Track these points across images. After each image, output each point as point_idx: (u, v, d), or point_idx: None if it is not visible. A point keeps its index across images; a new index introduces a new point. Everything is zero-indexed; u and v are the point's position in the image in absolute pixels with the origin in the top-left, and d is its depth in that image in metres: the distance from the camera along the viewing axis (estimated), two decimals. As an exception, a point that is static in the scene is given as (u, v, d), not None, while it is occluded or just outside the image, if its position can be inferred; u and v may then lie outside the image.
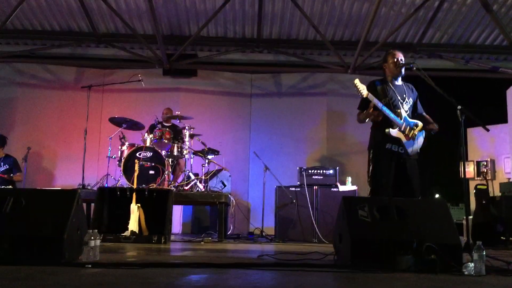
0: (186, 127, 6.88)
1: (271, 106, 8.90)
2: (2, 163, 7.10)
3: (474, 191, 6.80)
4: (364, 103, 4.25)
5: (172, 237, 6.01)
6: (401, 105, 4.29)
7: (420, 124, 4.36)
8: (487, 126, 4.45)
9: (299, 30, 8.17)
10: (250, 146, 8.64)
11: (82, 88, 7.53)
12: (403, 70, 4.33)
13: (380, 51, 7.82)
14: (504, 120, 7.81)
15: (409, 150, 4.26)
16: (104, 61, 8.73)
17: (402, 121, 4.25)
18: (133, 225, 5.21)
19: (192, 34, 8.02)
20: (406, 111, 4.32)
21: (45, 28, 8.18)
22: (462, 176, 3.99)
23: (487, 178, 7.06)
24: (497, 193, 6.99)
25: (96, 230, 3.08)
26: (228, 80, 9.02)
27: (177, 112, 7.18)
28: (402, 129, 4.23)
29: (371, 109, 4.13)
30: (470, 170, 7.41)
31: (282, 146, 8.61)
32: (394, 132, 4.20)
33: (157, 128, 6.74)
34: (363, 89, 4.09)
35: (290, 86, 9.05)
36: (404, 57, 4.43)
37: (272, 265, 3.17)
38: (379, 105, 4.13)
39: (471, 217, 6.42)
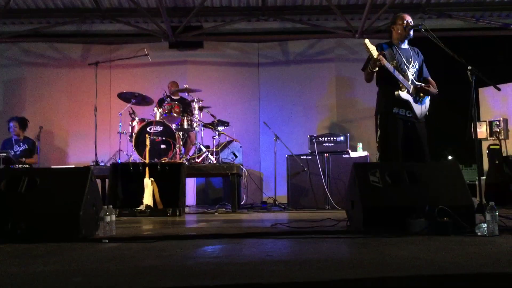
0: (195, 100, 6.86)
1: (279, 75, 8.81)
2: (21, 143, 7.26)
3: (487, 151, 6.75)
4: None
5: (187, 209, 6.08)
6: (407, 69, 4.26)
7: (426, 87, 4.31)
8: (499, 85, 4.40)
9: (304, -5, 8.02)
10: (259, 116, 8.61)
11: (89, 65, 7.51)
12: (411, 32, 4.27)
13: (387, 14, 7.66)
14: (516, 78, 7.66)
15: (418, 113, 4.24)
16: (109, 37, 8.67)
17: (410, 84, 4.21)
18: (147, 199, 5.28)
19: (196, 5, 7.91)
20: (412, 75, 4.28)
21: (49, 6, 8.13)
22: (474, 137, 3.96)
23: (500, 137, 6.97)
24: (510, 152, 6.94)
25: (111, 206, 3.13)
26: (234, 50, 8.94)
27: (185, 85, 7.14)
28: (411, 92, 4.20)
29: (375, 60, 3.98)
30: (482, 130, 7.31)
31: (292, 115, 8.57)
32: (403, 94, 4.17)
33: (166, 102, 6.73)
34: (374, 50, 4.00)
35: (297, 53, 8.94)
36: (413, 19, 4.37)
37: (285, 234, 3.21)
38: (390, 68, 4.08)
39: (483, 177, 6.40)
